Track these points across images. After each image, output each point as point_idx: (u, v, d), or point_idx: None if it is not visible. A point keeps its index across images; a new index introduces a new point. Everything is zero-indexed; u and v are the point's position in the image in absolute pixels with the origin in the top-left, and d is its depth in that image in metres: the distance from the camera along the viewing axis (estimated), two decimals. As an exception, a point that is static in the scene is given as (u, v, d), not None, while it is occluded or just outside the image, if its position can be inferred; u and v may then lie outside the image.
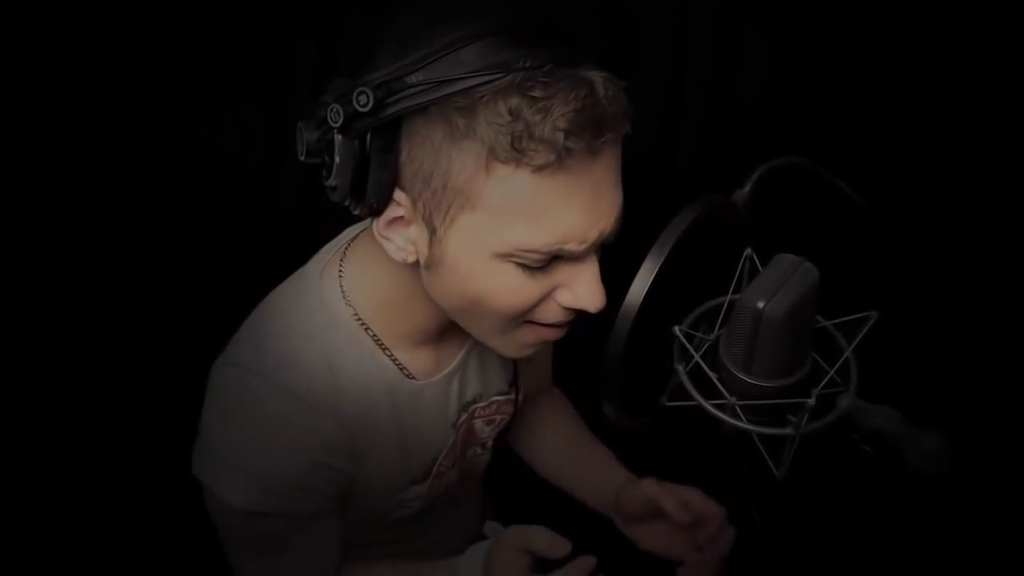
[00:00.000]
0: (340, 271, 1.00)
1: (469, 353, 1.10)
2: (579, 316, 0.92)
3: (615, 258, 1.03)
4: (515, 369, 1.19)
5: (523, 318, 0.91)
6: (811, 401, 0.79)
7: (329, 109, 0.82)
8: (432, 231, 0.86)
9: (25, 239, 1.59)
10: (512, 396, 1.19)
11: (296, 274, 1.04)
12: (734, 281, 0.87)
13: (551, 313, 0.91)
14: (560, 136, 0.78)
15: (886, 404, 0.81)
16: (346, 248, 1.02)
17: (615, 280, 1.09)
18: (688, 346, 0.85)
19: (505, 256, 0.85)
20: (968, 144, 1.70)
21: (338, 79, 0.85)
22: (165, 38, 1.58)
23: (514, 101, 0.79)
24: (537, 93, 0.79)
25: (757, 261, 0.85)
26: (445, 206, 0.84)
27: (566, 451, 1.34)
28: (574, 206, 0.83)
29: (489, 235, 0.84)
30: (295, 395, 0.95)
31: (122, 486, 1.66)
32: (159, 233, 1.68)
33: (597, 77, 0.81)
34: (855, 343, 0.83)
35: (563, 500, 1.43)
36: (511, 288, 0.87)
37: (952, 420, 0.86)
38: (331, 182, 0.85)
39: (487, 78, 0.79)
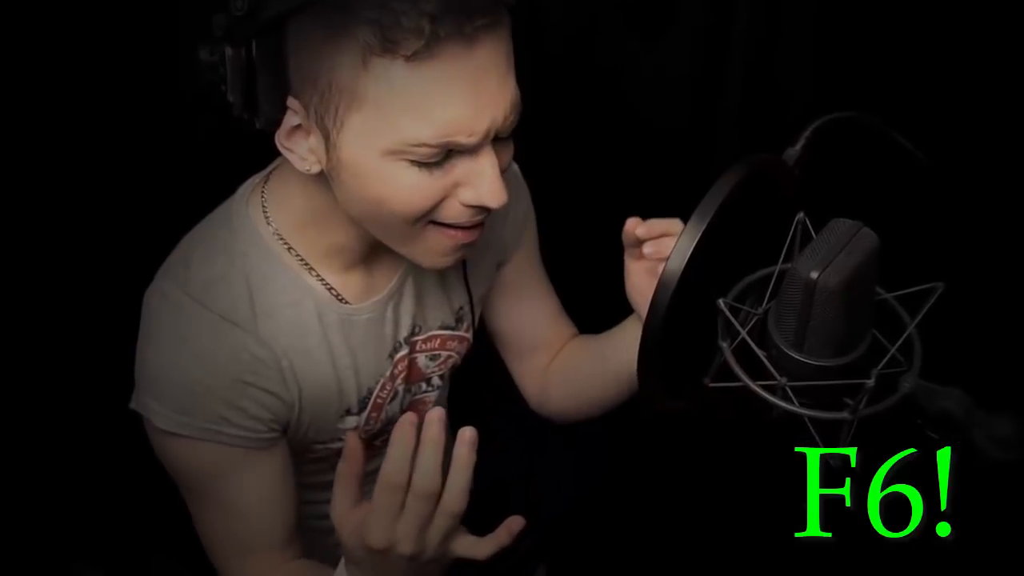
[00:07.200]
0: (263, 192, 1.10)
1: (404, 279, 1.18)
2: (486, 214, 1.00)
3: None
4: (471, 305, 1.27)
5: (427, 219, 0.99)
6: (870, 382, 0.79)
7: (214, 20, 0.92)
8: (327, 136, 0.95)
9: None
10: (460, 332, 1.28)
11: (228, 199, 1.14)
12: (785, 249, 0.86)
13: (454, 212, 0.99)
14: (426, 22, 0.86)
15: (953, 385, 0.80)
16: (271, 171, 1.13)
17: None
18: (734, 321, 0.85)
19: (396, 154, 0.93)
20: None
21: None
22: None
23: None
24: None
25: (811, 226, 0.85)
26: (333, 108, 0.93)
27: (591, 342, 1.35)
28: (455, 96, 0.91)
29: (377, 133, 0.93)
30: (216, 314, 1.06)
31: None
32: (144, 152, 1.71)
33: None
34: (919, 318, 0.83)
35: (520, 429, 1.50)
36: (408, 187, 0.95)
37: (1027, 402, 0.86)
38: (229, 98, 0.95)
39: None
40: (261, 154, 1.10)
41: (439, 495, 0.94)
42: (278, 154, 0.99)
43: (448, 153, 0.94)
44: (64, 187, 1.67)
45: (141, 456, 1.12)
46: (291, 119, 0.96)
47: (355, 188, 0.97)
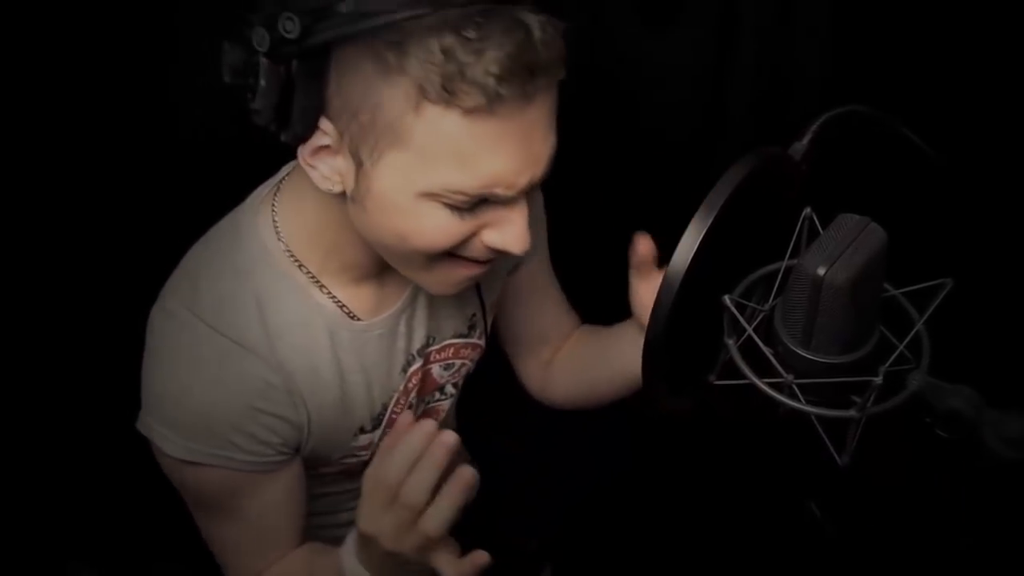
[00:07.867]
0: (273, 206, 1.07)
1: (417, 290, 1.17)
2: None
3: (659, 221, 1.02)
4: (483, 312, 1.26)
5: (446, 253, 0.98)
6: (878, 379, 0.78)
7: (254, 32, 0.88)
8: (359, 164, 0.93)
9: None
10: (473, 340, 1.27)
11: (234, 210, 1.11)
12: (791, 245, 0.86)
13: (475, 250, 0.98)
14: (491, 81, 0.84)
15: (963, 383, 0.80)
16: (280, 182, 1.10)
17: (659, 245, 1.08)
18: (739, 317, 0.84)
19: (431, 196, 0.92)
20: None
21: None
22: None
23: (447, 40, 0.84)
24: (471, 34, 0.84)
25: (817, 222, 0.84)
26: (373, 141, 0.91)
27: (593, 340, 1.36)
28: (503, 151, 0.90)
29: (416, 174, 0.91)
30: (226, 337, 1.04)
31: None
32: (143, 173, 1.70)
33: (534, 20, 0.87)
34: (927, 314, 0.83)
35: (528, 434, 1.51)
36: (435, 227, 0.94)
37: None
38: (255, 105, 0.91)
39: (420, 12, 0.84)
40: (268, 160, 1.09)
41: (422, 511, 0.95)
42: (287, 159, 0.96)
43: (482, 200, 0.93)
44: (63, 191, 1.66)
45: (139, 455, 1.12)
46: (320, 138, 0.93)
47: (379, 218, 0.96)
